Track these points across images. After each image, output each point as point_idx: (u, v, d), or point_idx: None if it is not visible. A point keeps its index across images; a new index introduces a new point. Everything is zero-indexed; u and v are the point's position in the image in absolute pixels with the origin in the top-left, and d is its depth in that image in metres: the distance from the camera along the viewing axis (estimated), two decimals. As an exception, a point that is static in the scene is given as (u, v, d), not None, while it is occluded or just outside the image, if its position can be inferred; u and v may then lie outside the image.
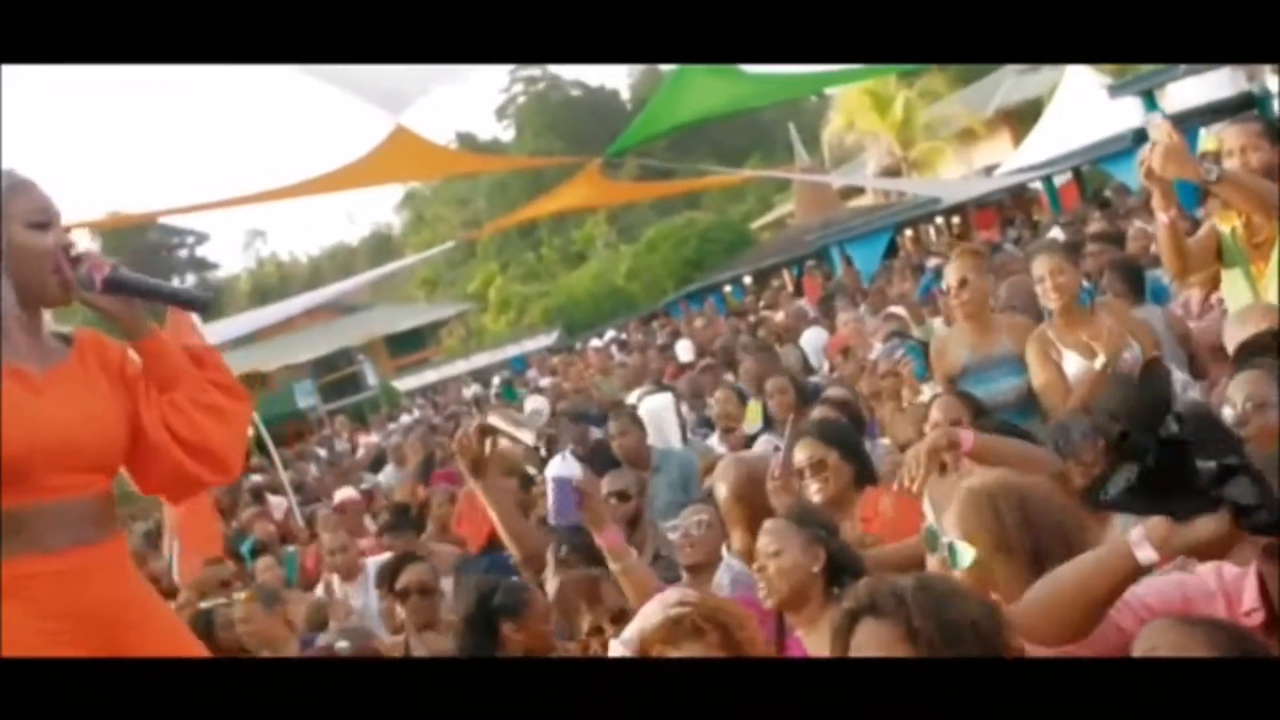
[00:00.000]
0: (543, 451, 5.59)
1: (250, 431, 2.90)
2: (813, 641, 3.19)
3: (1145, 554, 1.96)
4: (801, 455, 4.20)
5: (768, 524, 3.57)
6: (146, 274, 2.74)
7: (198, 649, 2.76)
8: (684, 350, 13.06)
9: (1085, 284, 5.16)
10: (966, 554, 2.35)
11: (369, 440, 20.31)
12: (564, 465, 4.05)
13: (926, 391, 5.66)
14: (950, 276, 5.21)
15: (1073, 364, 4.80)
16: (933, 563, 2.51)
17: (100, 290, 2.55)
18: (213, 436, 2.67)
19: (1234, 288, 4.47)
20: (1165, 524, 1.93)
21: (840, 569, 3.39)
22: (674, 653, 2.76)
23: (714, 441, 7.21)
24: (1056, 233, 11.92)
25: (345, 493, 9.89)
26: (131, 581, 2.65)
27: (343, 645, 4.53)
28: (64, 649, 2.40)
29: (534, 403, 4.27)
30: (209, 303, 3.28)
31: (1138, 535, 1.97)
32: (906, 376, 5.42)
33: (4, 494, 2.38)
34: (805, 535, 3.43)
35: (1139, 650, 1.97)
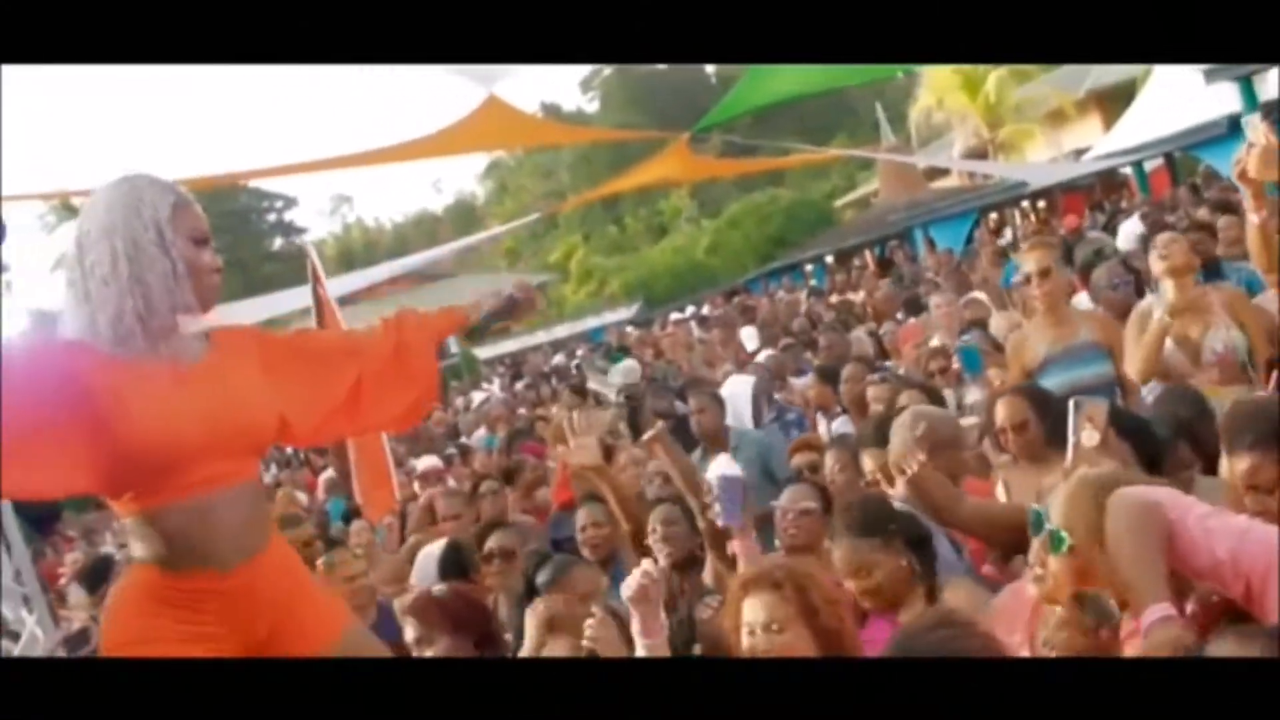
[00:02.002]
0: (624, 418, 5.55)
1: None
2: (907, 616, 3.21)
3: None
4: (1003, 413, 4.22)
5: (844, 546, 3.46)
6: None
7: (348, 626, 2.92)
8: (749, 338, 12.94)
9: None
10: (1063, 541, 2.40)
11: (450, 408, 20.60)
12: (729, 465, 4.01)
13: (974, 392, 5.73)
14: (1030, 266, 5.18)
15: (1167, 349, 4.81)
16: (1035, 545, 2.54)
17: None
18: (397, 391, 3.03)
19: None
20: None
21: (912, 544, 3.44)
22: (749, 601, 2.92)
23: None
24: (1134, 224, 11.71)
25: (426, 462, 10.04)
26: (291, 576, 2.82)
27: (440, 589, 4.66)
28: (211, 648, 2.60)
29: (627, 366, 4.34)
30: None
31: None
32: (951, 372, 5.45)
33: (165, 486, 2.56)
34: (877, 541, 3.39)
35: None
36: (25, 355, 2.55)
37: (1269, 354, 4.49)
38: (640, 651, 3.01)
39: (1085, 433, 3.08)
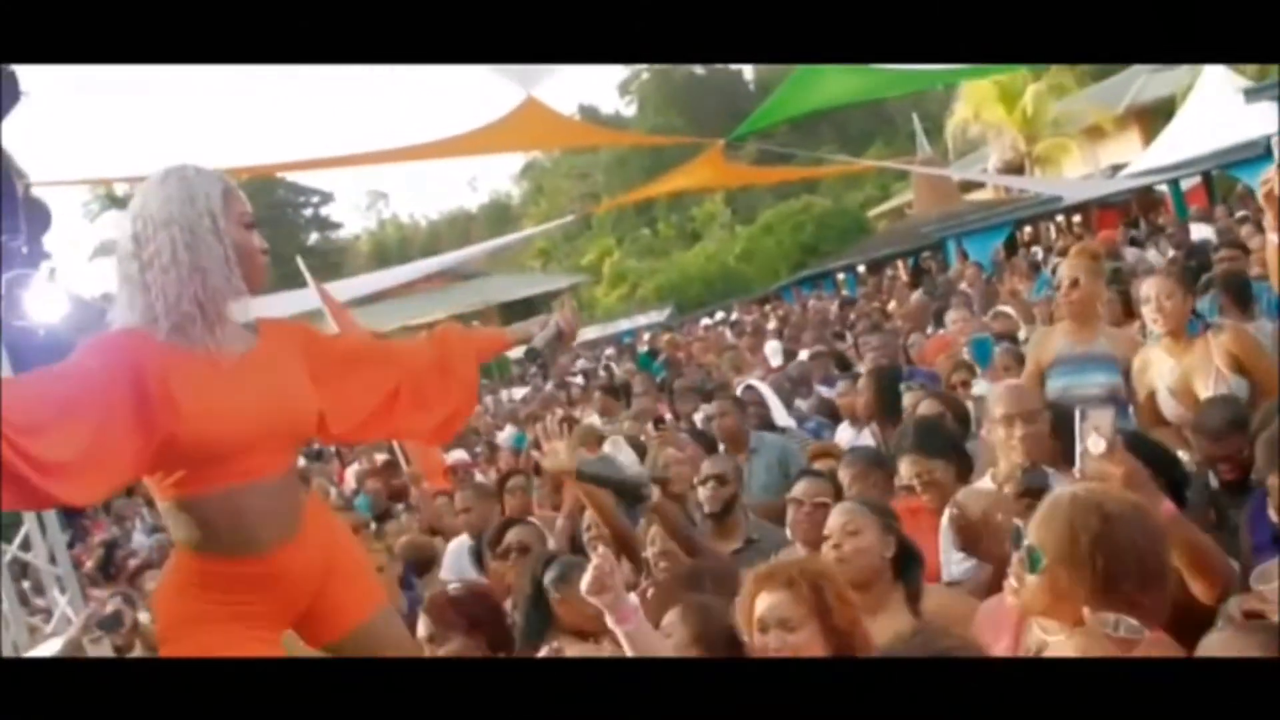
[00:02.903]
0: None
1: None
2: (876, 627, 3.22)
3: None
4: (908, 470, 4.31)
5: (843, 505, 3.71)
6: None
7: (381, 608, 3.00)
8: (773, 353, 12.88)
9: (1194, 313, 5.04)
10: (1039, 560, 2.41)
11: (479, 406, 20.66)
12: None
13: (980, 385, 5.74)
14: (1064, 274, 5.25)
15: (1164, 400, 4.83)
16: (1014, 559, 2.53)
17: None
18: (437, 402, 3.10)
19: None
20: None
21: (909, 560, 3.54)
22: (763, 597, 2.94)
23: (842, 431, 7.27)
24: (1154, 256, 11.60)
25: (455, 455, 10.10)
26: (327, 556, 2.89)
27: (455, 586, 4.71)
28: (254, 625, 2.72)
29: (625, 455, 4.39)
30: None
31: None
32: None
33: (205, 476, 2.65)
34: (881, 521, 3.57)
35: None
36: (91, 351, 2.61)
37: (1272, 397, 4.28)
38: (622, 640, 3.02)
39: (1091, 440, 3.07)
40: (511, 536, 5.32)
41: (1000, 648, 2.63)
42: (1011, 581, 2.48)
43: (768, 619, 2.93)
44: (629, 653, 3.03)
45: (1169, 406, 4.80)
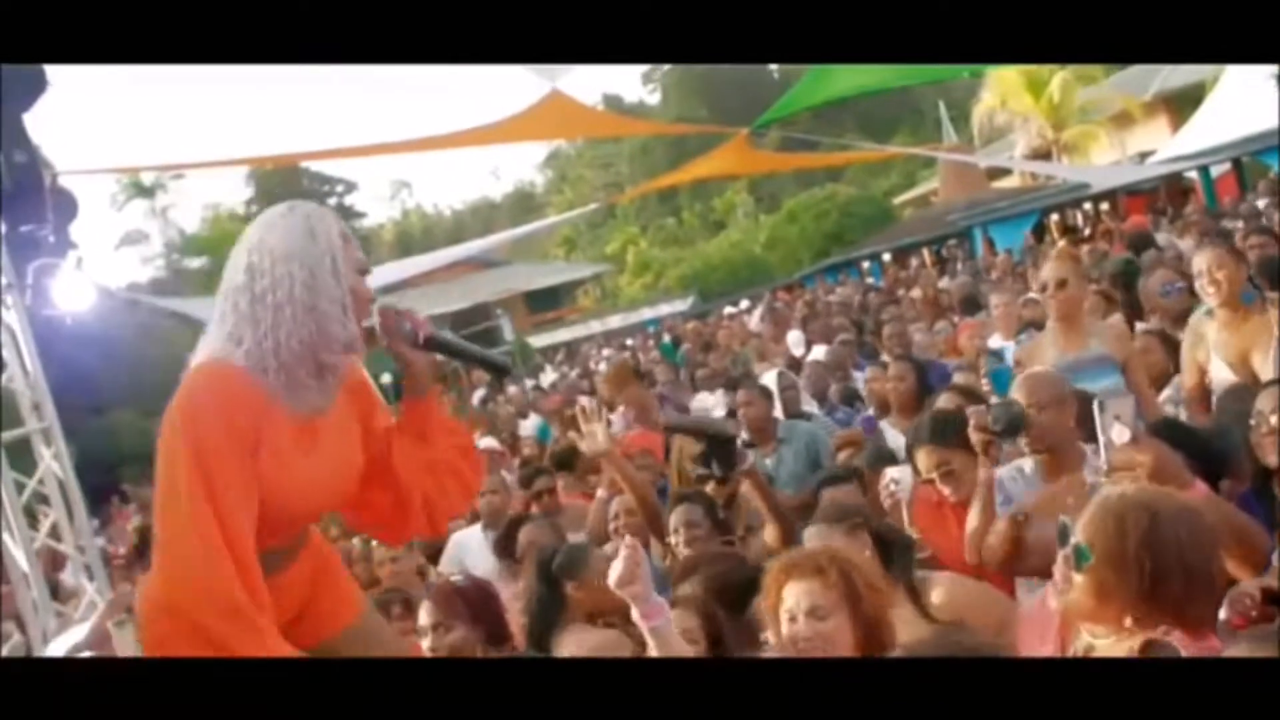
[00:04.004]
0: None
1: (388, 379, 3.12)
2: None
3: None
4: (925, 462, 4.22)
5: (807, 532, 3.66)
6: None
7: (364, 613, 2.95)
8: (795, 343, 12.81)
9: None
10: (1087, 557, 2.36)
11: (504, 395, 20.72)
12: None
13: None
14: (1048, 275, 5.09)
15: (1219, 370, 4.74)
16: (1059, 557, 2.47)
17: (419, 345, 2.73)
18: (454, 499, 2.90)
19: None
20: None
21: (889, 545, 3.51)
22: (791, 586, 2.89)
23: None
24: (1186, 245, 11.43)
25: (487, 442, 10.05)
26: (317, 563, 2.84)
27: (456, 579, 4.74)
28: None
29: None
30: (510, 368, 3.48)
31: None
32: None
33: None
34: (843, 527, 3.53)
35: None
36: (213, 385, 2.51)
37: None
38: (647, 637, 2.97)
39: (1115, 430, 3.01)
40: (524, 536, 5.31)
41: (1043, 649, 2.57)
42: (1057, 580, 2.44)
43: (797, 607, 2.88)
44: (651, 650, 2.99)
45: (1221, 375, 4.71)
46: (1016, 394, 3.95)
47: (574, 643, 4.10)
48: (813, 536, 3.58)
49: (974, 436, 3.68)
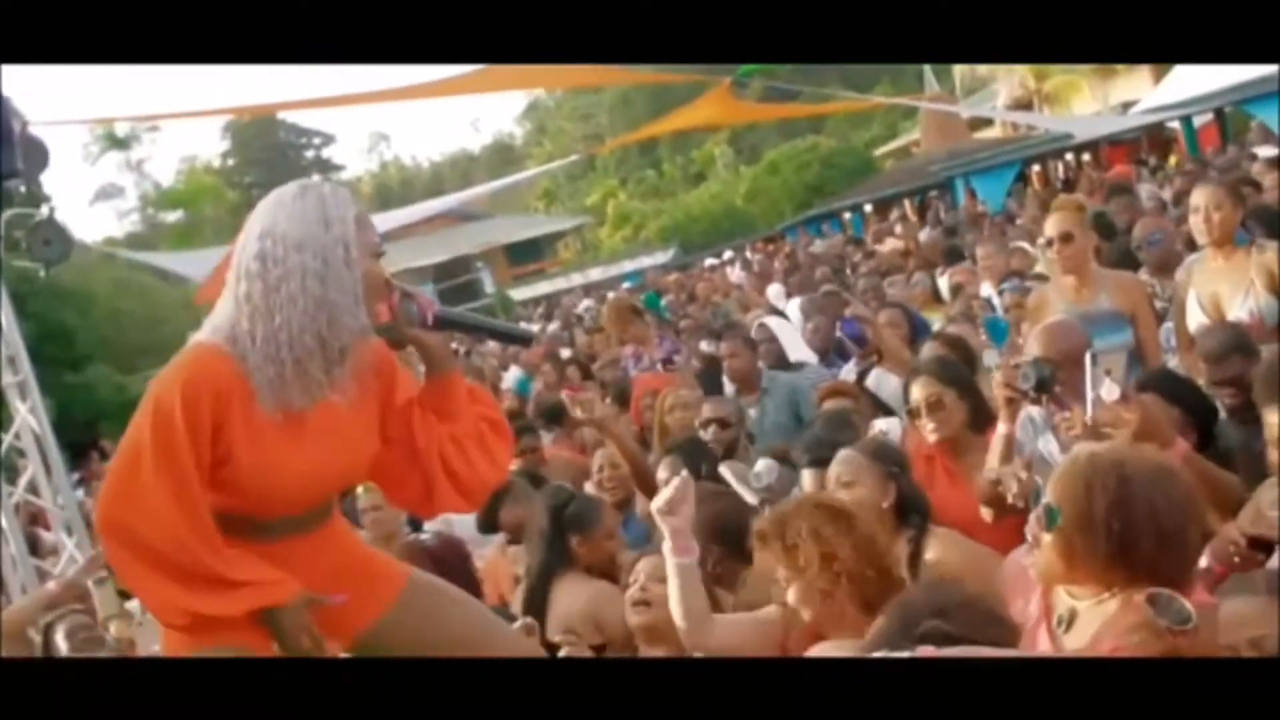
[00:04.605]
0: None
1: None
2: None
3: None
4: (918, 393, 4.12)
5: (841, 454, 3.64)
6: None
7: (386, 606, 2.84)
8: (776, 296, 12.68)
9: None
10: (1056, 517, 2.32)
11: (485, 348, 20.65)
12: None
13: (991, 357, 5.64)
14: (1051, 229, 4.94)
15: (1194, 311, 4.71)
16: (1032, 517, 2.45)
17: (430, 326, 2.69)
18: (481, 472, 2.83)
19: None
20: None
21: (909, 506, 3.49)
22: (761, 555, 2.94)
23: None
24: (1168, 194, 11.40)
25: None
26: (338, 552, 2.78)
27: (425, 537, 4.69)
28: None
29: (767, 465, 4.21)
30: (532, 337, 3.41)
31: None
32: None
33: (238, 505, 2.55)
34: (878, 469, 3.51)
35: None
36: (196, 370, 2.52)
37: None
38: (671, 572, 2.98)
39: (1105, 386, 2.95)
40: (505, 516, 5.24)
41: (1028, 610, 2.53)
42: (1029, 539, 2.40)
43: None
44: (673, 588, 3.00)
45: (1195, 316, 4.67)
46: (1035, 346, 3.89)
47: (569, 591, 4.10)
48: (845, 461, 3.56)
49: (999, 392, 3.58)
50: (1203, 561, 2.60)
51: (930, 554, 3.40)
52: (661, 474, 4.62)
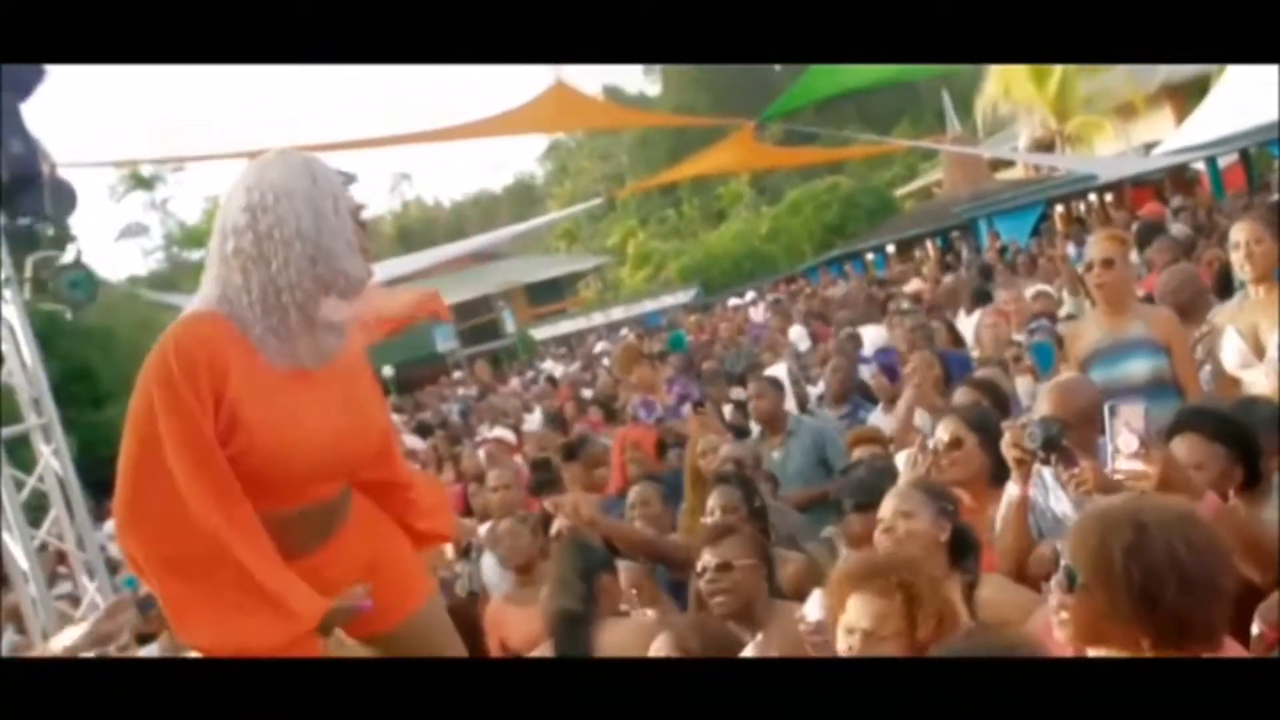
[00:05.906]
0: None
1: (389, 371, 3.04)
2: None
3: None
4: (941, 431, 4.12)
5: (898, 488, 3.63)
6: None
7: (423, 605, 2.86)
8: (798, 338, 12.64)
9: None
10: (1075, 578, 2.23)
11: (508, 388, 20.68)
12: None
13: (1023, 384, 5.62)
14: (1095, 253, 4.97)
15: (1230, 342, 4.65)
16: (1053, 584, 2.33)
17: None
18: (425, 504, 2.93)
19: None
20: None
21: (965, 547, 3.42)
22: (855, 598, 2.83)
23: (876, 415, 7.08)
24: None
25: (500, 432, 9.90)
26: (372, 545, 2.75)
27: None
28: None
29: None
30: None
31: None
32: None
33: (267, 499, 2.46)
34: (935, 505, 3.47)
35: None
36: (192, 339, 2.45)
37: None
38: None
39: (1123, 438, 2.89)
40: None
41: None
42: (1054, 607, 2.27)
43: (856, 624, 2.79)
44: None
45: (1235, 352, 4.62)
46: (1046, 404, 3.85)
47: (614, 633, 3.98)
48: (902, 495, 3.53)
49: (1009, 453, 3.54)
50: (1254, 628, 2.53)
51: (985, 592, 3.35)
52: (712, 502, 4.57)
